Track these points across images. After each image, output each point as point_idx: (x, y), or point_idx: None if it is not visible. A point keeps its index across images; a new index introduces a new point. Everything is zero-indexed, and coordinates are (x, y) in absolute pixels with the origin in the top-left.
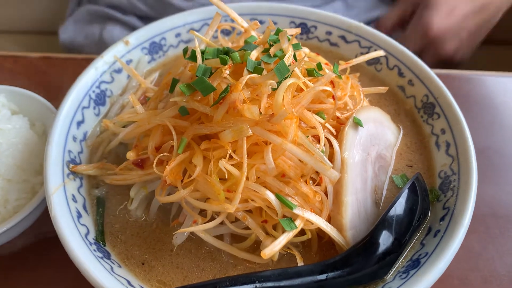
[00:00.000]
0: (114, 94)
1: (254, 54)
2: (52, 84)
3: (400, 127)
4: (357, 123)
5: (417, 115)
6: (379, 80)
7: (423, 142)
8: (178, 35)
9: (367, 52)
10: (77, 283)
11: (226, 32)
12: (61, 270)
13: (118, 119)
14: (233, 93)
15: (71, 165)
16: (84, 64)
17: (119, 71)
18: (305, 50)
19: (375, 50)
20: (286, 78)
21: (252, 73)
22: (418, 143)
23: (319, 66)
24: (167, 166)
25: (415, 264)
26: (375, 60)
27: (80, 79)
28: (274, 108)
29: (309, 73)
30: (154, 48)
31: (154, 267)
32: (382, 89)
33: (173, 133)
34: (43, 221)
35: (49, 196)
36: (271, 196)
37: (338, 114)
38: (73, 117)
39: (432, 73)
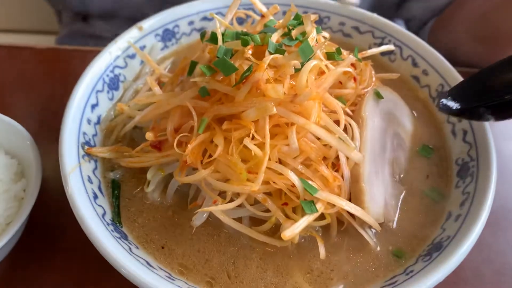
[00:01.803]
0: (127, 79)
1: (274, 37)
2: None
3: (415, 113)
4: (377, 95)
5: (432, 104)
6: (392, 70)
7: (438, 130)
8: (191, 23)
9: (381, 43)
10: (81, 277)
11: (239, 21)
12: (64, 274)
13: (135, 102)
14: (257, 72)
15: (86, 147)
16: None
17: (132, 56)
18: (325, 34)
19: (389, 40)
20: (309, 59)
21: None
22: (433, 131)
23: (338, 50)
24: (188, 145)
25: (438, 248)
26: (389, 51)
27: (94, 63)
28: (297, 88)
29: (329, 56)
30: (167, 35)
31: (174, 250)
32: (394, 75)
33: (193, 113)
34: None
35: (66, 175)
36: (294, 177)
37: None
38: (87, 100)
39: (447, 62)
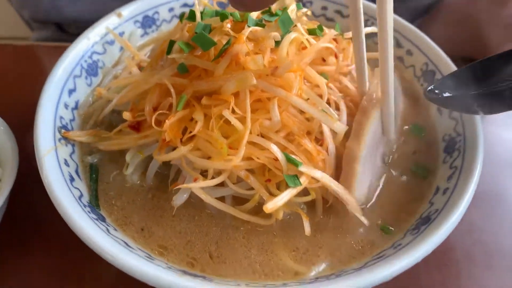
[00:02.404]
0: (106, 65)
1: (254, 13)
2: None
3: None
4: None
5: (417, 83)
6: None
7: (424, 109)
8: (171, 9)
9: (364, 26)
10: (62, 267)
11: (221, 6)
12: (44, 264)
13: (113, 84)
14: (236, 45)
15: (63, 131)
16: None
17: (111, 42)
18: (305, 10)
19: (372, 23)
20: (290, 32)
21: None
22: (419, 110)
23: (320, 27)
24: (166, 121)
25: (425, 221)
26: (373, 33)
27: (72, 48)
28: (278, 61)
29: (311, 32)
30: (147, 22)
31: (155, 232)
32: (378, 54)
33: (172, 91)
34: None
35: (40, 158)
36: (276, 150)
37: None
38: (64, 84)
39: (431, 42)
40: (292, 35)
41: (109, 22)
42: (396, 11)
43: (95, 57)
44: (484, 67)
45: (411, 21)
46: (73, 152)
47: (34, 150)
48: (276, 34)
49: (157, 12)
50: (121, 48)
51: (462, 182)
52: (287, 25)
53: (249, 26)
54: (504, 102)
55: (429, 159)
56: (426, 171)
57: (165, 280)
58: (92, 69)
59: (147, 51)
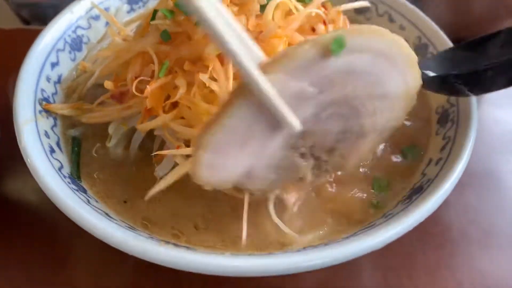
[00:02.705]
0: (90, 41)
1: None
2: None
3: None
4: (334, 46)
5: None
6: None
7: None
8: None
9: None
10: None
11: None
12: (29, 249)
13: (97, 56)
14: None
15: (44, 103)
16: None
17: (96, 18)
18: None
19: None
20: None
21: None
22: None
23: None
24: (147, 86)
25: (417, 190)
26: (365, 8)
27: (55, 22)
28: (263, 25)
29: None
30: None
31: (139, 205)
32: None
33: (154, 57)
34: None
35: (19, 126)
36: None
37: None
38: (46, 57)
39: (424, 16)
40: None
41: None
42: None
43: (79, 31)
44: (468, 48)
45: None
46: (54, 125)
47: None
48: None
49: None
50: (106, 24)
51: (455, 152)
52: None
53: None
54: (485, 82)
55: (422, 136)
56: (418, 152)
57: (146, 249)
58: (76, 44)
59: (133, 27)
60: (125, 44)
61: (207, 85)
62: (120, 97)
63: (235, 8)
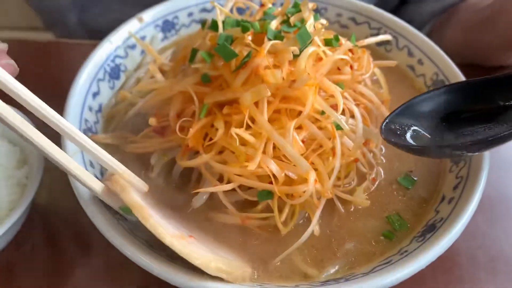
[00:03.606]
0: (128, 69)
1: (274, 24)
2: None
3: None
4: None
5: None
6: (388, 60)
7: None
8: (190, 14)
9: (377, 34)
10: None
11: (239, 12)
12: (68, 260)
13: (137, 88)
14: (256, 58)
15: (90, 134)
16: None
17: (133, 47)
18: (323, 21)
19: (385, 31)
20: (307, 45)
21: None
22: None
23: (336, 37)
24: (190, 129)
25: (431, 229)
26: (385, 41)
27: (96, 52)
28: (295, 74)
29: (327, 43)
30: (167, 26)
31: None
32: (391, 63)
33: (195, 99)
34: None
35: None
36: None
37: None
38: (89, 88)
39: (441, 51)
40: (310, 49)
41: (131, 27)
42: (411, 14)
43: (117, 60)
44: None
45: (426, 23)
46: None
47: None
48: (295, 48)
49: (176, 17)
50: (142, 52)
51: (467, 193)
52: (305, 39)
53: (269, 39)
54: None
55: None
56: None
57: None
58: (114, 73)
59: (168, 53)
60: (167, 82)
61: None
62: (162, 131)
63: (271, 59)
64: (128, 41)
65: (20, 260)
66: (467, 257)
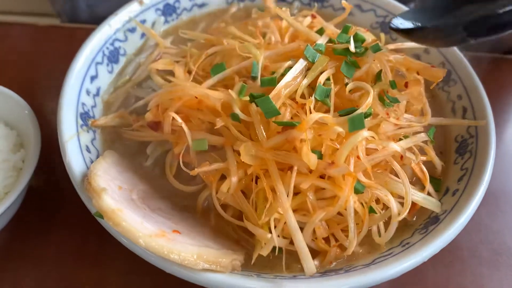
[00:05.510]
0: (127, 53)
1: (324, 76)
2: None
3: None
4: None
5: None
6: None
7: (440, 109)
8: None
9: (383, 21)
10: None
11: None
12: (62, 245)
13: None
14: (296, 131)
15: (91, 120)
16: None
17: (132, 30)
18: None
19: (391, 18)
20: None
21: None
22: (433, 110)
23: (392, 84)
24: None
25: (434, 221)
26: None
27: (94, 35)
28: (335, 159)
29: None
30: (168, 10)
31: None
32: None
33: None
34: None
35: (64, 143)
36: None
37: None
38: (87, 71)
39: None
40: (358, 137)
41: (131, 9)
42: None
43: (116, 44)
44: None
45: None
46: (94, 138)
47: (55, 132)
48: (342, 131)
49: (177, 1)
50: (142, 36)
51: (472, 185)
52: (356, 126)
53: (316, 98)
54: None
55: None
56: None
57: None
58: (113, 56)
59: (171, 38)
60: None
61: None
62: (155, 126)
63: (311, 133)
64: (127, 24)
65: (16, 243)
66: (469, 251)
